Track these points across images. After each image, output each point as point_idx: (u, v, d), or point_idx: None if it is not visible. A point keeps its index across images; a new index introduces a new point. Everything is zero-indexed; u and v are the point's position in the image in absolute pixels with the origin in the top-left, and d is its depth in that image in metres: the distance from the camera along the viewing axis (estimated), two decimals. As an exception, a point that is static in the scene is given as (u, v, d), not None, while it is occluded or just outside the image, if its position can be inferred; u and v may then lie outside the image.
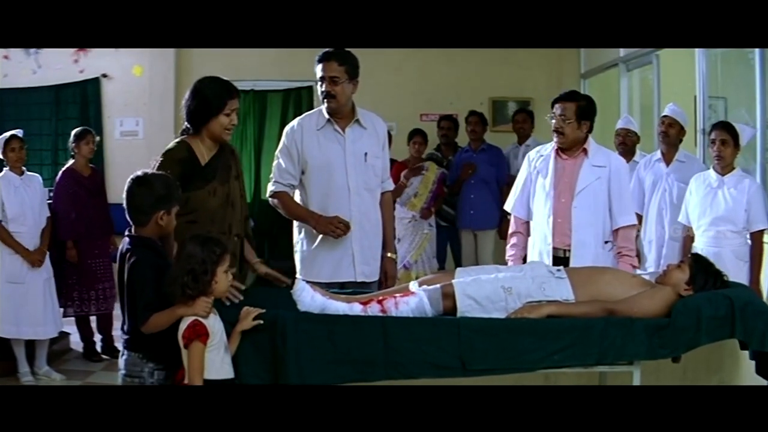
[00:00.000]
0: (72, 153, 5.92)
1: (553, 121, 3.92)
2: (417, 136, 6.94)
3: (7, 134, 5.36)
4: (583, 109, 3.90)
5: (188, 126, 3.33)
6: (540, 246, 3.94)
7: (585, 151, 3.92)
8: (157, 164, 3.19)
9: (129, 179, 2.90)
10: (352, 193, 3.75)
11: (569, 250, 3.83)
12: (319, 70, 3.70)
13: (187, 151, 3.27)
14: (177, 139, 3.35)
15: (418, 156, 6.95)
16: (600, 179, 3.87)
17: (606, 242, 3.89)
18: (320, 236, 3.71)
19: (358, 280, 3.78)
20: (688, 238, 4.86)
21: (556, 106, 3.93)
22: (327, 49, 3.70)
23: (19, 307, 5.18)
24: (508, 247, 4.12)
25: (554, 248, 3.87)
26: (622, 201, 3.90)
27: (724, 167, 4.64)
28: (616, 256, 3.88)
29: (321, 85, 3.71)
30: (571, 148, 3.93)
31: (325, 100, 3.72)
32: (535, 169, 4.01)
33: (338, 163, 3.74)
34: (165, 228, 2.89)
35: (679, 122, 5.32)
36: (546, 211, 3.91)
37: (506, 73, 8.40)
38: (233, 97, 3.30)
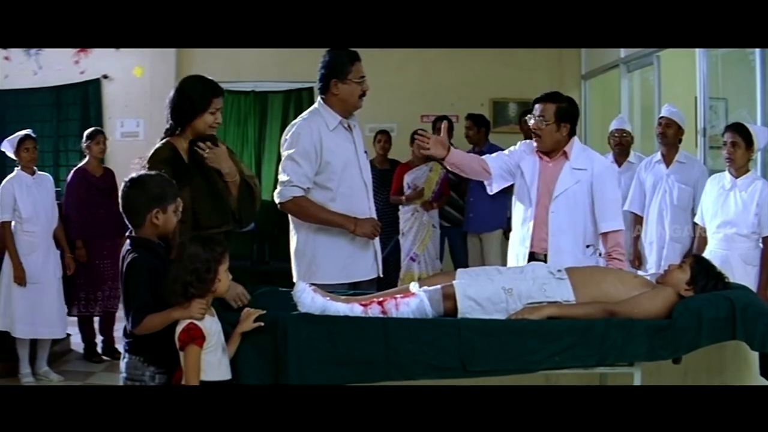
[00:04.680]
0: (84, 153, 6.00)
1: (532, 122, 3.83)
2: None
3: (21, 133, 5.40)
4: (563, 111, 3.79)
5: (172, 124, 3.34)
6: (517, 249, 3.88)
7: (565, 154, 3.83)
8: (147, 168, 3.18)
9: (123, 183, 2.90)
10: (368, 190, 3.83)
11: (547, 255, 3.75)
12: (360, 69, 3.72)
13: (170, 151, 3.29)
14: (161, 141, 3.35)
15: (421, 155, 6.96)
16: (580, 182, 3.77)
17: (588, 246, 3.81)
18: (343, 237, 3.70)
19: (381, 276, 3.88)
20: (702, 240, 4.77)
21: (536, 106, 3.83)
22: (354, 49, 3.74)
23: (35, 307, 5.24)
24: None
25: (532, 252, 3.79)
26: (606, 205, 3.78)
27: (737, 169, 4.55)
28: (606, 258, 3.80)
29: (363, 84, 3.73)
30: (551, 150, 3.84)
31: (361, 99, 3.77)
32: (519, 165, 3.91)
33: (354, 162, 3.78)
34: (163, 227, 2.86)
35: (676, 122, 5.31)
36: (525, 216, 3.86)
37: (507, 74, 8.41)
38: (217, 96, 3.33)
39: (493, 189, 4.04)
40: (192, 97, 3.30)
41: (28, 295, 5.22)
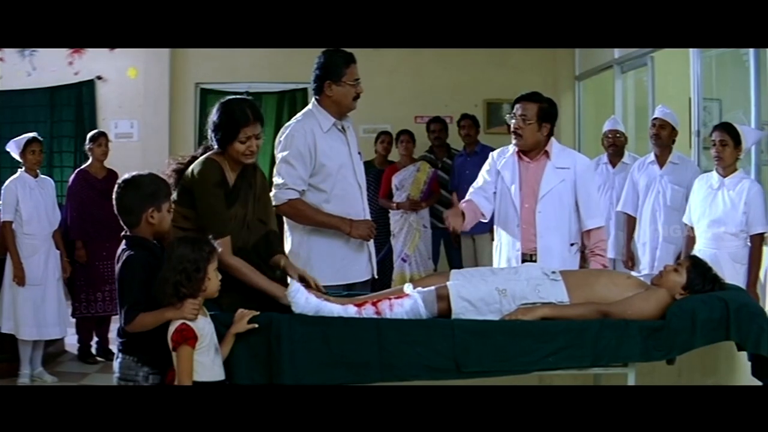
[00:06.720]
0: (87, 155, 6.05)
1: (513, 121, 3.84)
2: (403, 135, 7.04)
3: (29, 135, 5.43)
4: (545, 111, 3.82)
5: (210, 145, 3.23)
6: (508, 252, 3.88)
7: (547, 153, 3.85)
8: (204, 192, 3.11)
9: (117, 184, 2.89)
10: (362, 192, 3.84)
11: (536, 255, 3.78)
12: (355, 71, 3.73)
13: (220, 174, 3.16)
14: (203, 158, 3.20)
15: (408, 154, 7.00)
16: (564, 181, 3.80)
17: (572, 245, 3.84)
18: (338, 239, 3.71)
19: (377, 277, 3.89)
20: (690, 239, 4.82)
21: (517, 106, 3.85)
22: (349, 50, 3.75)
23: (39, 309, 5.27)
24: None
25: (522, 253, 3.80)
26: (590, 203, 3.84)
27: (725, 168, 4.60)
28: (589, 255, 3.84)
29: (357, 86, 3.73)
30: (531, 150, 3.86)
31: (355, 102, 3.77)
32: (498, 171, 3.94)
33: (348, 163, 3.78)
34: (159, 226, 2.86)
35: (669, 123, 5.33)
36: (511, 218, 3.86)
37: (501, 75, 8.39)
38: (248, 124, 3.11)
39: (487, 217, 3.97)
40: (224, 123, 3.14)
41: (32, 297, 5.26)
